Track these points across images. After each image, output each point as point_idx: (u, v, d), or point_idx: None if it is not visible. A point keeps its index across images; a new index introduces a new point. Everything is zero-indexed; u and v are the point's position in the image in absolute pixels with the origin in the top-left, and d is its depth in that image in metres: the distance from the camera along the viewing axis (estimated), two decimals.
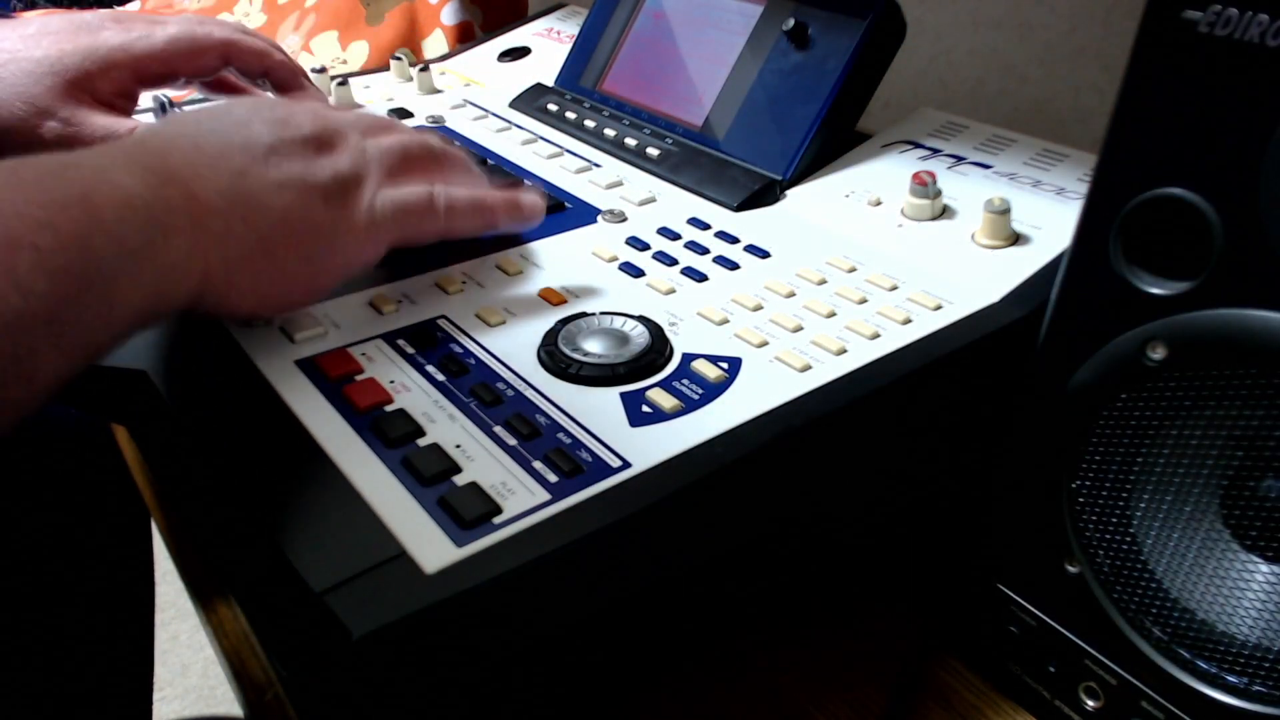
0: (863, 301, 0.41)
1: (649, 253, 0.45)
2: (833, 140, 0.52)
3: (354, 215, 0.38)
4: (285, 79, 0.59)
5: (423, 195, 0.40)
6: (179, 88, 0.57)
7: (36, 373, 0.28)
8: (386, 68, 0.74)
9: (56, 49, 0.49)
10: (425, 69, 0.69)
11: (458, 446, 0.32)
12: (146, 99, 0.58)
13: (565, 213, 0.50)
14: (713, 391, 0.35)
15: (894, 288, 0.42)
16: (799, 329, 0.39)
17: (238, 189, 0.35)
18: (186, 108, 0.60)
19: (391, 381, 0.35)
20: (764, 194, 0.50)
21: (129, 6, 1.07)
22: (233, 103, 0.39)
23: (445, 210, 0.41)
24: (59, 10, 0.49)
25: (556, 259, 0.45)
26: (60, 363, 0.29)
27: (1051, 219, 0.45)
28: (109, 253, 0.29)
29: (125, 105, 0.54)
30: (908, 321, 0.40)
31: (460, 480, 0.31)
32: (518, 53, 0.75)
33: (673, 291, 0.42)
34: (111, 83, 0.52)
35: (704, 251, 0.45)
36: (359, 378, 0.36)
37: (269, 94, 0.59)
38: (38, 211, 0.28)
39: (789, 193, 0.51)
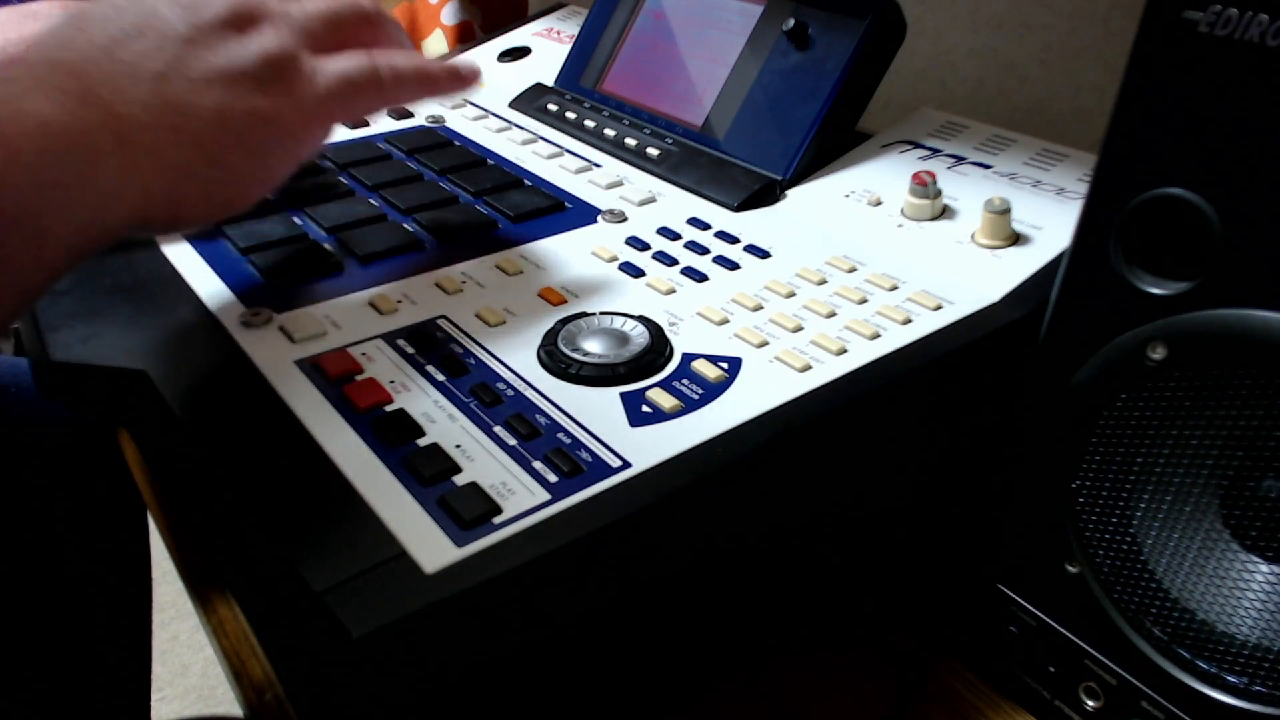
0: (863, 301, 0.41)
1: (649, 253, 0.45)
2: (833, 140, 0.52)
3: (297, 97, 0.35)
4: None
5: (366, 67, 0.37)
6: None
7: None
8: None
9: (0, 39, 0.48)
10: None
11: (458, 446, 0.32)
12: None
13: (565, 213, 0.50)
14: (713, 391, 0.35)
15: (894, 288, 0.42)
16: (799, 329, 0.39)
17: (161, 95, 0.32)
18: None
19: (391, 381, 0.35)
20: (764, 194, 0.50)
21: None
22: None
23: (390, 81, 0.38)
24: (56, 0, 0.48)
25: (556, 259, 0.45)
26: None
27: (1051, 219, 0.45)
28: (31, 188, 0.28)
29: None
30: (908, 321, 0.40)
31: (460, 480, 0.31)
32: (518, 53, 0.75)
33: (673, 291, 0.42)
34: None
35: (704, 251, 0.45)
36: (359, 378, 0.36)
37: None
38: None
39: (789, 193, 0.51)
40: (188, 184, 0.33)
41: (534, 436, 0.33)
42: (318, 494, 0.30)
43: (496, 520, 0.29)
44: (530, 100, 0.65)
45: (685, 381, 0.36)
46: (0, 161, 0.27)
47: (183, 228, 0.36)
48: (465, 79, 0.42)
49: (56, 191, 0.28)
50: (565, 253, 0.45)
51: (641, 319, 0.39)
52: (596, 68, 0.63)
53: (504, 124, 0.62)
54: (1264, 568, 0.31)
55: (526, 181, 0.53)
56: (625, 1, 0.63)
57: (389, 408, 0.34)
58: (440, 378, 0.36)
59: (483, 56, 0.76)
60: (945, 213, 0.47)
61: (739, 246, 0.46)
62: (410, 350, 0.37)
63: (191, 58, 0.33)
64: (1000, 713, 0.40)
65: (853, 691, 0.41)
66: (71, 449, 0.56)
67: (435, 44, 0.87)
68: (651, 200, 0.51)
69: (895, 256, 0.45)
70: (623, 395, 0.35)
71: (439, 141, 0.58)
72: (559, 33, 0.77)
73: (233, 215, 0.36)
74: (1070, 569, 0.36)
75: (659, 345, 0.37)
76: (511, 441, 0.32)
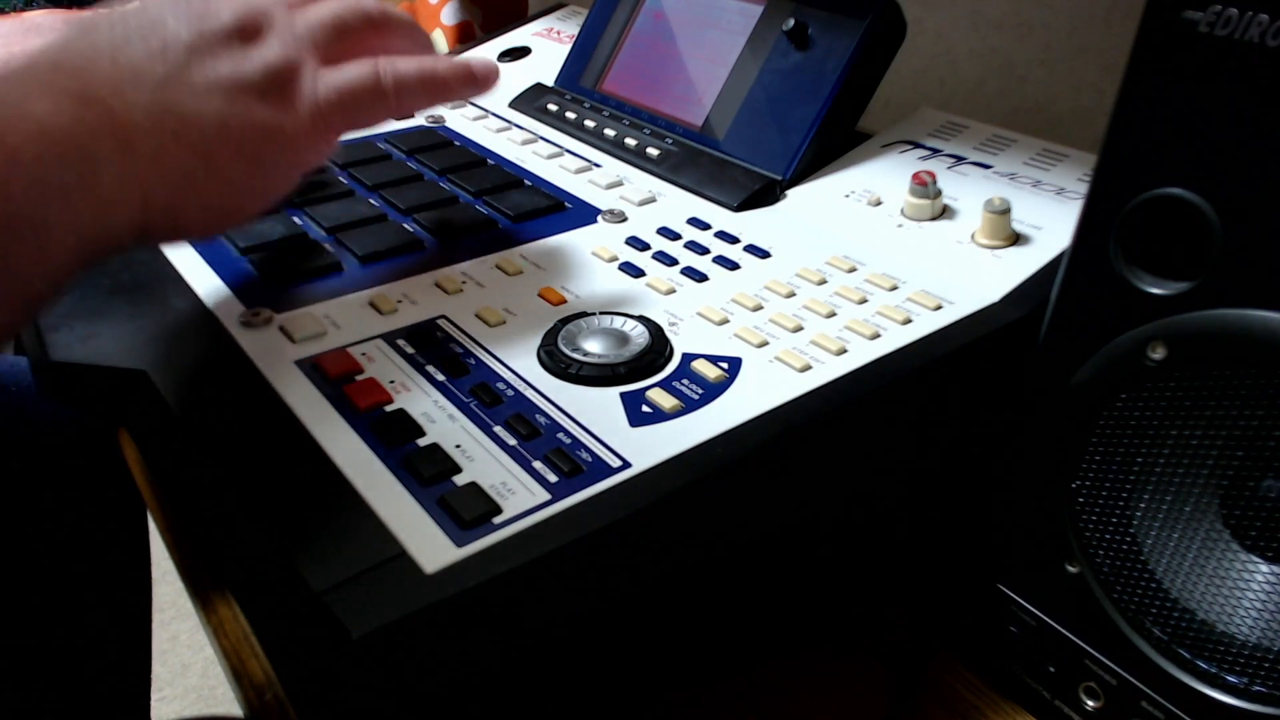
0: (863, 301, 0.41)
1: (649, 253, 0.45)
2: (833, 140, 0.52)
3: (296, 110, 0.35)
4: None
5: (367, 76, 0.36)
6: None
7: None
8: None
9: (4, 53, 0.48)
10: None
11: (458, 446, 0.32)
12: None
13: (565, 213, 0.50)
14: (713, 391, 0.35)
15: (894, 288, 0.42)
16: (799, 329, 0.39)
17: (163, 102, 0.32)
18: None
19: (391, 381, 0.35)
20: (764, 194, 0.50)
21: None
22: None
23: (394, 89, 0.37)
24: (57, 11, 0.48)
25: (556, 259, 0.45)
26: None
27: (1051, 219, 0.45)
28: (34, 194, 0.27)
29: None
30: (908, 321, 0.40)
31: (460, 480, 0.31)
32: (518, 53, 0.75)
33: (673, 291, 0.42)
34: None
35: (704, 251, 0.45)
36: (359, 378, 0.36)
37: None
38: None
39: (789, 193, 0.51)
40: (188, 192, 0.32)
41: (534, 436, 0.33)
42: (318, 494, 0.30)
43: (496, 520, 0.29)
44: (530, 100, 0.65)
45: (685, 381, 0.36)
46: (2, 166, 0.27)
47: (182, 238, 0.36)
48: (478, 81, 0.41)
49: (57, 196, 0.28)
50: (565, 253, 0.45)
51: (641, 319, 0.39)
52: (596, 68, 0.63)
53: (504, 124, 0.62)
54: (1264, 568, 0.31)
55: (526, 181, 0.53)
56: (625, 1, 0.63)
57: (389, 408, 0.34)
58: (440, 378, 0.36)
59: (482, 56, 0.76)
60: (945, 213, 0.47)
61: (739, 246, 0.46)
62: (410, 350, 0.37)
63: (195, 66, 0.33)
64: (1000, 713, 0.40)
65: (852, 691, 0.41)
66: (71, 449, 0.56)
67: (435, 44, 0.87)
68: (651, 200, 0.51)
69: (895, 256, 0.45)
70: (623, 395, 0.35)
71: (439, 141, 0.58)
72: (559, 33, 0.77)
73: (232, 227, 0.36)
74: (1070, 569, 0.36)
75: (659, 345, 0.37)
76: (511, 441, 0.32)
